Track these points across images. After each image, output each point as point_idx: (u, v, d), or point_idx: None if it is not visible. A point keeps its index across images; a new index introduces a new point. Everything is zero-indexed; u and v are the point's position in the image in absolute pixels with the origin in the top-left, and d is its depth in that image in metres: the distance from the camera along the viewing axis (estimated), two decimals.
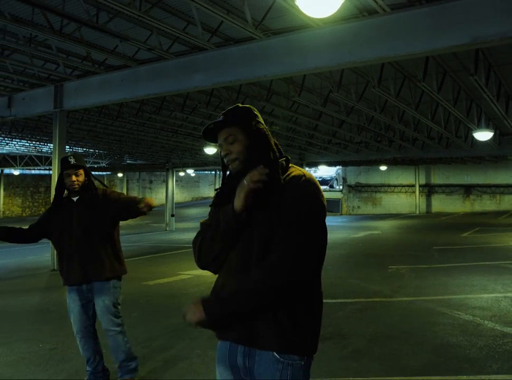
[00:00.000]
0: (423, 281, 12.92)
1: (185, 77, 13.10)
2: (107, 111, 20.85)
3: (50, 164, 37.24)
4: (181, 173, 54.94)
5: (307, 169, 46.61)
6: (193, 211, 58.32)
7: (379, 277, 13.59)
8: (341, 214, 53.93)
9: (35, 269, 16.74)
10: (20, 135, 28.93)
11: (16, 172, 49.06)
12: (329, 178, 66.68)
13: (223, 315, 2.68)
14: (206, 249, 2.90)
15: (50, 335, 8.66)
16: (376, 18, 10.03)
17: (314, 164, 41.09)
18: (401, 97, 15.55)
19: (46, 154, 38.87)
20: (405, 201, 51.25)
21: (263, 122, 3.03)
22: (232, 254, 2.81)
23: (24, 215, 52.17)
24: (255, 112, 3.06)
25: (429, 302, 10.54)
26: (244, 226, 2.75)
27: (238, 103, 3.34)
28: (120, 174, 58.21)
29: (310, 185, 2.77)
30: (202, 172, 67.34)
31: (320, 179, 65.71)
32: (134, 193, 64.49)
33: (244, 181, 2.68)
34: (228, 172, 3.01)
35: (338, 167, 59.96)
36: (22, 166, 44.00)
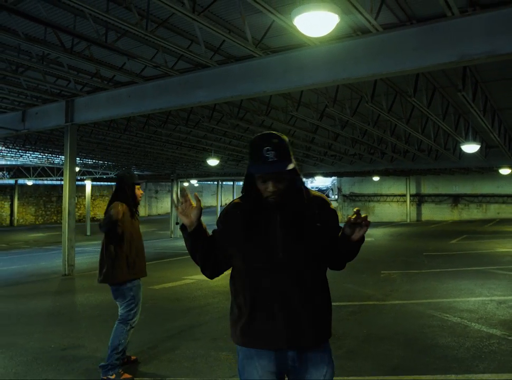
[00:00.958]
0: (414, 285, 12.91)
1: (188, 93, 13.13)
2: (115, 124, 20.86)
3: (61, 175, 37.26)
4: (186, 184, 54.93)
5: (304, 179, 46.76)
6: None
7: (372, 281, 13.58)
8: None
9: (47, 274, 16.73)
10: (33, 147, 28.94)
11: (30, 182, 49.06)
12: (325, 188, 66.97)
13: None
14: None
15: (62, 336, 8.66)
16: (369, 37, 10.06)
17: (311, 175, 41.18)
18: (393, 112, 15.56)
19: (58, 166, 38.86)
20: (396, 210, 51.26)
21: None
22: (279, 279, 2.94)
23: (37, 223, 52.16)
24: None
25: (419, 305, 10.53)
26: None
27: (273, 131, 3.15)
28: None
29: (330, 203, 3.22)
30: (205, 182, 67.25)
31: (317, 189, 65.90)
32: (141, 202, 64.40)
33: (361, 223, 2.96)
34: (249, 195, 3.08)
35: (333, 178, 60.30)
36: (36, 177, 44.02)
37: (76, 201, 17.94)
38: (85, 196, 44.36)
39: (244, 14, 9.54)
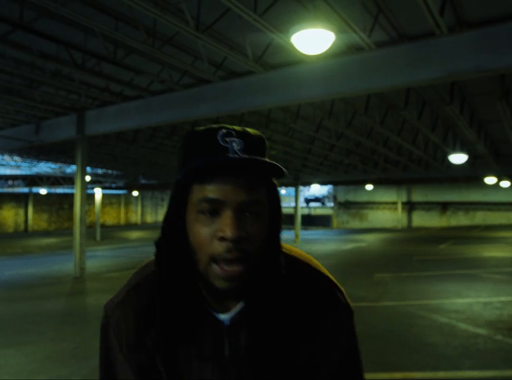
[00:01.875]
0: (405, 287, 12.91)
1: (192, 106, 13.14)
2: (123, 136, 20.86)
3: (73, 183, 37.26)
4: None
5: (301, 188, 46.57)
6: None
7: (365, 284, 13.57)
8: (332, 228, 53.94)
9: (60, 277, 16.71)
10: (46, 158, 29.00)
11: (43, 191, 49.03)
12: (321, 196, 66.77)
13: None
14: None
15: (73, 335, 8.66)
16: (363, 54, 10.09)
17: (308, 183, 41.07)
18: (385, 124, 15.58)
19: (70, 175, 38.89)
20: (388, 217, 51.29)
21: None
22: None
23: (50, 229, 52.08)
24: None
25: (410, 306, 10.53)
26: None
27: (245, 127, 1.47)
28: (135, 193, 58.14)
29: (337, 291, 1.45)
30: None
31: (314, 197, 65.80)
32: (148, 209, 64.52)
33: None
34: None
35: (329, 186, 60.10)
36: (48, 185, 44.03)
37: (86, 208, 17.95)
38: (95, 204, 44.28)
39: (244, 32, 9.58)
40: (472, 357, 6.91)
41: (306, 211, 61.72)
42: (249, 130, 1.31)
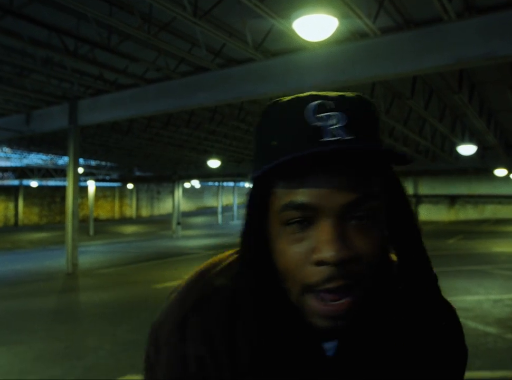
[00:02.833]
0: None
1: (189, 95, 13.12)
2: (118, 126, 20.86)
3: (65, 176, 37.35)
4: (187, 185, 54.90)
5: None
6: (198, 219, 58.14)
7: None
8: None
9: (51, 273, 16.72)
10: (37, 149, 29.00)
11: (34, 184, 49.02)
12: None
13: None
14: None
15: (65, 334, 8.68)
16: (367, 41, 10.06)
17: None
18: (390, 114, 15.55)
19: (62, 167, 38.86)
20: None
21: None
22: None
23: (41, 223, 52.09)
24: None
25: None
26: None
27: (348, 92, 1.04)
28: (130, 186, 58.13)
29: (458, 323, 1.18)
30: (206, 183, 67.12)
31: None
32: (143, 203, 64.51)
33: None
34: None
35: None
36: (40, 178, 44.00)
37: (79, 202, 17.96)
38: (88, 197, 44.28)
39: (244, 18, 9.55)
40: (482, 357, 6.91)
41: None
42: (349, 94, 0.98)
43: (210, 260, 1.12)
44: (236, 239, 1.01)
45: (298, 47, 10.95)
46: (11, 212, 50.44)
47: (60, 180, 45.06)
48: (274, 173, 0.89)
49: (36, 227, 46.93)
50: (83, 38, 11.09)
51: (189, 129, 19.87)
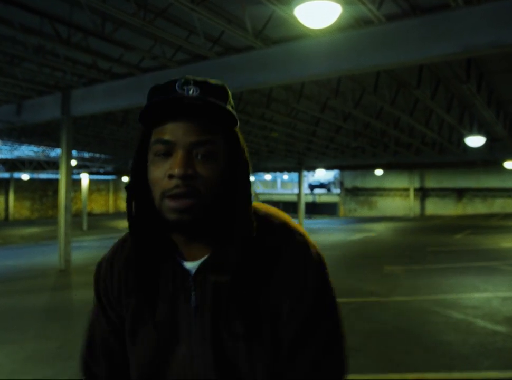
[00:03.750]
0: (417, 281, 12.93)
1: None
2: (112, 117, 20.86)
3: (57, 168, 37.41)
4: None
5: (305, 173, 46.43)
6: None
7: (374, 277, 13.60)
8: (339, 217, 53.95)
9: (43, 270, 16.74)
10: (28, 140, 28.97)
11: (26, 177, 49.01)
12: (326, 182, 66.63)
13: None
14: None
15: (58, 333, 8.68)
16: (371, 28, 10.04)
17: (312, 168, 41.07)
18: (396, 104, 15.55)
19: (54, 159, 38.87)
20: (399, 204, 51.30)
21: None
22: None
23: (33, 217, 52.14)
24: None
25: (423, 301, 10.55)
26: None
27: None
28: (125, 179, 58.03)
29: (310, 249, 1.47)
30: None
31: (318, 183, 65.64)
32: None
33: None
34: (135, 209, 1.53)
35: (335, 171, 60.04)
36: (31, 170, 43.97)
37: (72, 195, 17.96)
38: (81, 190, 44.26)
39: (244, 4, 9.55)
40: (491, 356, 6.92)
41: (310, 199, 61.51)
42: (211, 80, 1.42)
43: None
44: None
45: (300, 35, 10.92)
46: (1, 206, 50.48)
47: (52, 173, 45.10)
48: (147, 119, 1.41)
49: (28, 222, 46.94)
50: (76, 25, 11.07)
51: None
